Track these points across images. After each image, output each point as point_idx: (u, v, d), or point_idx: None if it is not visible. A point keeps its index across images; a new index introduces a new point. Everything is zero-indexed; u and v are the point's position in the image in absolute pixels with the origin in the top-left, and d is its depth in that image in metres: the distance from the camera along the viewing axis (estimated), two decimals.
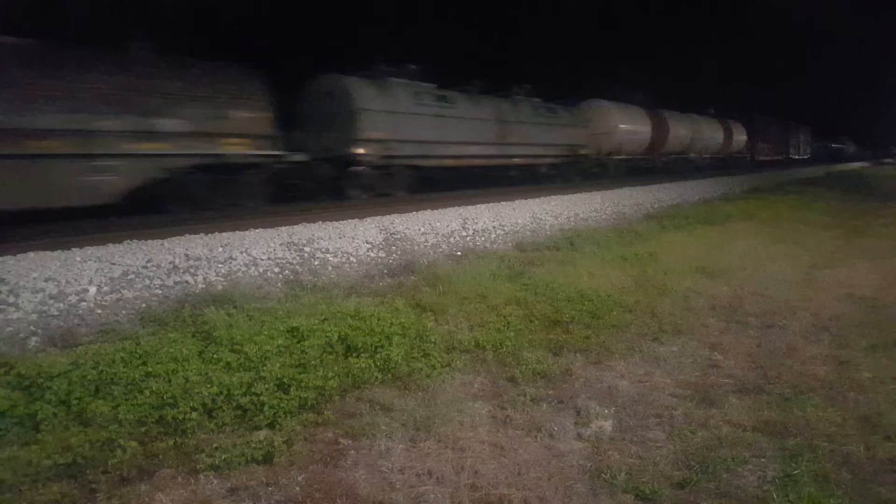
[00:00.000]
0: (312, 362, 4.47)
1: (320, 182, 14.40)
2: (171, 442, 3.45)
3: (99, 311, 5.60)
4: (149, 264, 6.56)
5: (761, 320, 6.18)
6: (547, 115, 22.60)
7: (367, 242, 8.67)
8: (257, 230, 8.76)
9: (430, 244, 9.30)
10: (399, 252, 8.65)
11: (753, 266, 8.64)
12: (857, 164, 71.79)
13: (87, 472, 3.15)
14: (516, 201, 14.08)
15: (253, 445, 3.42)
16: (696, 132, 33.81)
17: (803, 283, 7.82)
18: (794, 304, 6.69)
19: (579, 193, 16.76)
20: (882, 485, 3.23)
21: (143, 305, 5.85)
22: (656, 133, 29.25)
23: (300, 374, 4.24)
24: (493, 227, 10.90)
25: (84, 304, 5.62)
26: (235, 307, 5.66)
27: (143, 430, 3.56)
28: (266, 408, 3.80)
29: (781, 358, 5.09)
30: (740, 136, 41.20)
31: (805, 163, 55.67)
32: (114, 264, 6.43)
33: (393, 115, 15.60)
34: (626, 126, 27.10)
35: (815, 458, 3.44)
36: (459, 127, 17.77)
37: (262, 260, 7.32)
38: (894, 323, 5.95)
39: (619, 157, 27.29)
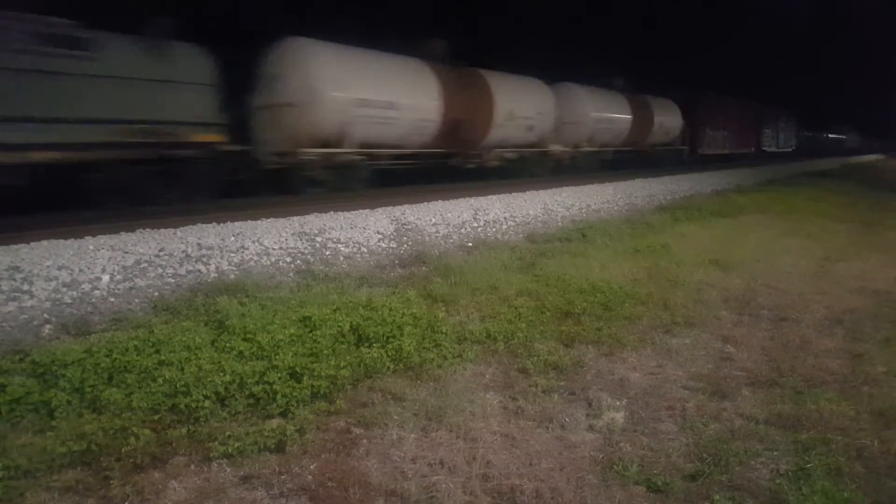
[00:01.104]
0: (324, 352, 4.49)
1: None
2: (184, 430, 3.47)
3: (112, 300, 5.63)
4: (161, 253, 6.59)
5: (774, 313, 6.15)
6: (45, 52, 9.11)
7: (379, 233, 8.67)
8: (269, 220, 8.77)
9: (441, 235, 9.29)
10: (410, 242, 8.65)
11: (766, 258, 8.59)
12: (870, 157, 68.58)
13: (101, 459, 3.17)
14: (528, 192, 14.03)
15: (265, 434, 3.43)
16: (567, 112, 20.87)
17: (817, 275, 7.77)
18: (808, 297, 6.65)
19: (591, 185, 16.67)
20: None
21: (156, 294, 5.88)
22: (459, 110, 15.75)
23: (312, 363, 4.25)
24: (505, 219, 10.88)
25: (97, 292, 5.66)
26: (248, 296, 5.68)
27: (156, 417, 3.58)
28: (279, 396, 3.81)
29: (795, 351, 5.07)
30: (669, 120, 28.10)
31: (785, 158, 44.53)
32: (126, 253, 6.46)
33: None
34: (362, 95, 13.24)
35: (828, 451, 3.43)
36: None
37: (274, 249, 7.34)
38: None
39: (352, 155, 13.35)
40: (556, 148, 20.75)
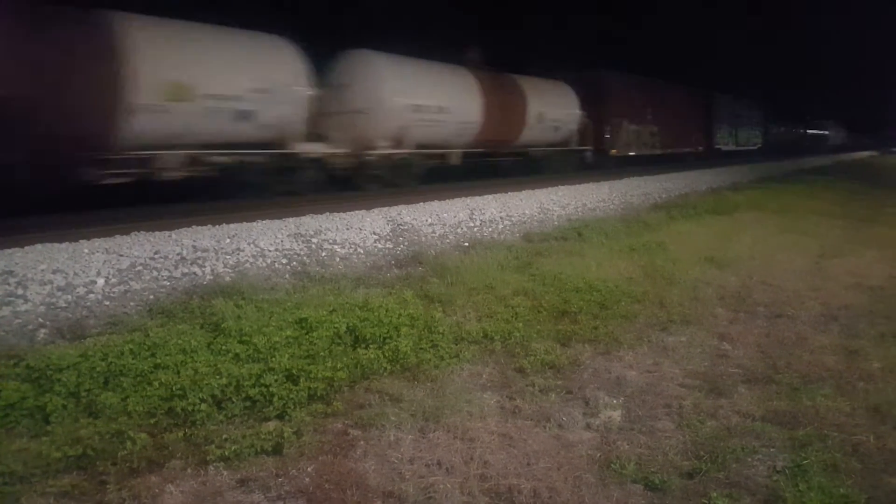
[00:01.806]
0: (321, 353, 4.48)
1: None
2: (180, 433, 3.46)
3: (107, 303, 5.61)
4: (156, 256, 6.57)
5: (770, 310, 6.16)
6: None
7: (375, 233, 8.66)
8: (264, 221, 8.75)
9: (437, 235, 9.29)
10: (406, 243, 8.64)
11: (762, 256, 8.61)
12: (862, 154, 65.54)
13: (97, 463, 3.16)
14: (524, 192, 14.04)
15: (262, 436, 3.42)
16: (344, 94, 13.54)
17: (812, 272, 7.79)
18: (803, 294, 6.66)
19: (587, 184, 16.70)
20: (892, 474, 3.22)
21: (152, 297, 5.86)
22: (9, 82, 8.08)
23: (309, 365, 4.24)
24: (501, 218, 10.88)
25: (92, 295, 5.64)
26: (244, 298, 5.67)
27: (152, 421, 3.57)
28: (275, 399, 3.80)
29: (790, 348, 5.08)
30: (557, 111, 19.70)
31: (743, 158, 35.68)
32: (122, 256, 6.44)
33: None
34: None
35: (824, 447, 3.43)
36: None
37: (270, 251, 7.33)
38: None
39: None
40: (314, 149, 12.52)
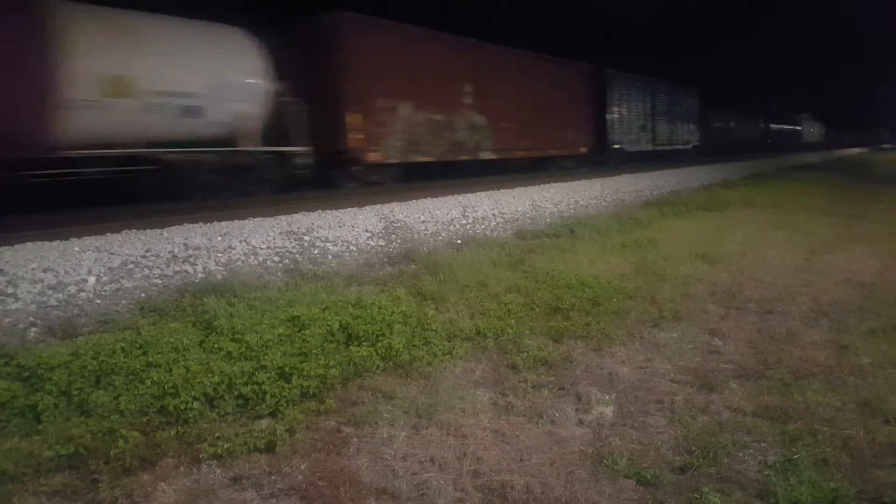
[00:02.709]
0: (314, 351, 4.48)
1: None
2: (173, 432, 3.45)
3: (98, 302, 5.59)
4: (148, 254, 6.54)
5: (761, 306, 6.19)
6: None
7: (367, 231, 8.65)
8: (256, 219, 8.72)
9: (429, 232, 9.28)
10: (399, 240, 8.64)
11: (753, 252, 8.65)
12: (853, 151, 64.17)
13: (89, 462, 3.15)
14: (516, 189, 14.05)
15: (255, 434, 3.42)
16: None
17: (802, 268, 7.83)
18: (794, 290, 6.70)
19: (579, 181, 16.72)
20: (881, 468, 3.24)
21: (143, 295, 5.84)
22: None
23: (301, 362, 4.24)
24: (493, 215, 10.88)
25: (83, 294, 5.61)
26: (236, 296, 5.66)
27: (144, 419, 3.57)
28: (268, 396, 3.80)
29: (781, 343, 5.10)
30: (195, 78, 10.38)
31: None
32: (112, 254, 6.41)
33: None
34: None
35: (815, 442, 3.45)
36: None
37: (262, 249, 7.31)
38: (893, 307, 5.95)
39: None
40: None
